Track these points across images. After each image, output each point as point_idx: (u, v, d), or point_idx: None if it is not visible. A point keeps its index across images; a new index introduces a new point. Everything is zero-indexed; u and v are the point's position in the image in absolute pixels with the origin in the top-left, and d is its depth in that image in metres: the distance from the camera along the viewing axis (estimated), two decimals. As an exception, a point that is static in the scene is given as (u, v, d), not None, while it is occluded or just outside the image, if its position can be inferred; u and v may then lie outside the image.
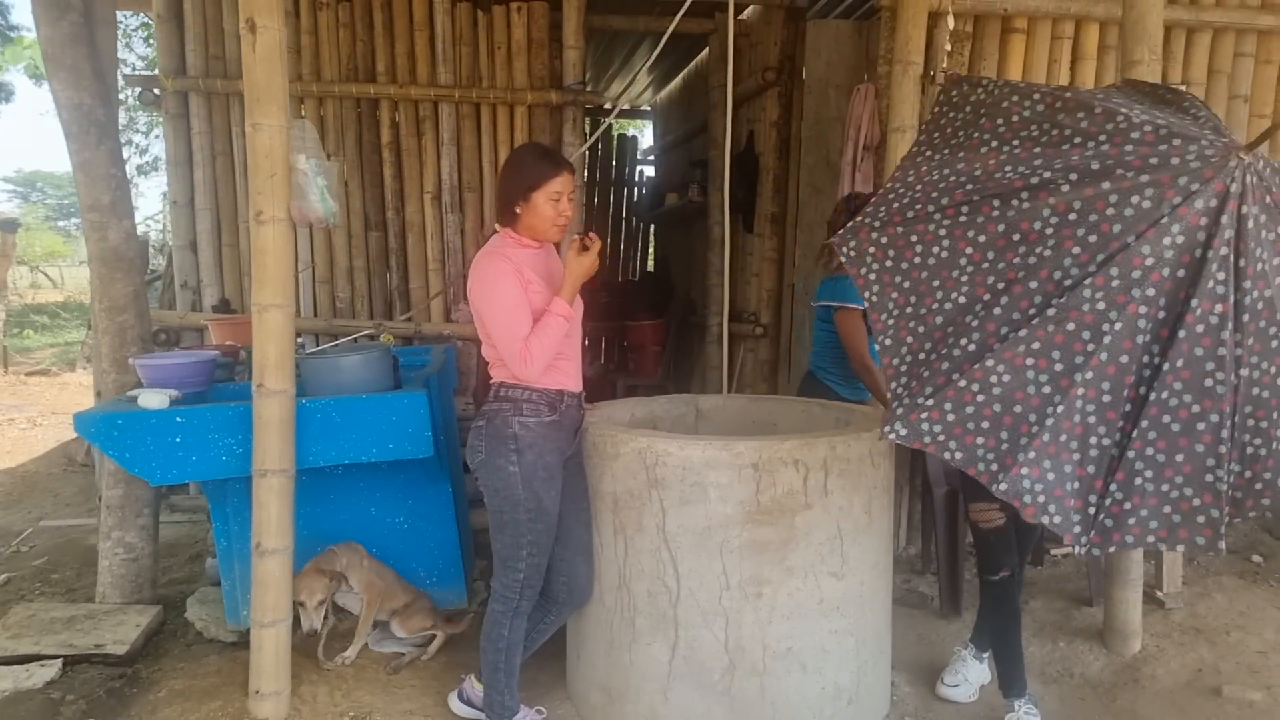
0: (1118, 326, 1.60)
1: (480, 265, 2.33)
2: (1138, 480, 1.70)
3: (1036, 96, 1.91)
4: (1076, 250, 1.68)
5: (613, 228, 8.51)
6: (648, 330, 6.80)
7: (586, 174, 8.13)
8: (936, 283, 1.88)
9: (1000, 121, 1.93)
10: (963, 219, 1.84)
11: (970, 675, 2.79)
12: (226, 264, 4.57)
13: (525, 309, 2.29)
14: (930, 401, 1.84)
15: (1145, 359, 1.64)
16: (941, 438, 1.84)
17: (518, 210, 2.34)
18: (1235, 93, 4.10)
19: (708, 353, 5.75)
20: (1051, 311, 1.69)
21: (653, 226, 8.55)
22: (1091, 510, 1.75)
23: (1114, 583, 3.07)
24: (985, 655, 2.79)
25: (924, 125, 2.24)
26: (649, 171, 8.68)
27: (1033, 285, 1.72)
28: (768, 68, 4.95)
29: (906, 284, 1.94)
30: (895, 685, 2.84)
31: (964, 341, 1.81)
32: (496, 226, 2.43)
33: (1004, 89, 2.02)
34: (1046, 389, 1.72)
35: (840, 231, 2.14)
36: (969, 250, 1.84)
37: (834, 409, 3.01)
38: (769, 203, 5.08)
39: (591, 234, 2.41)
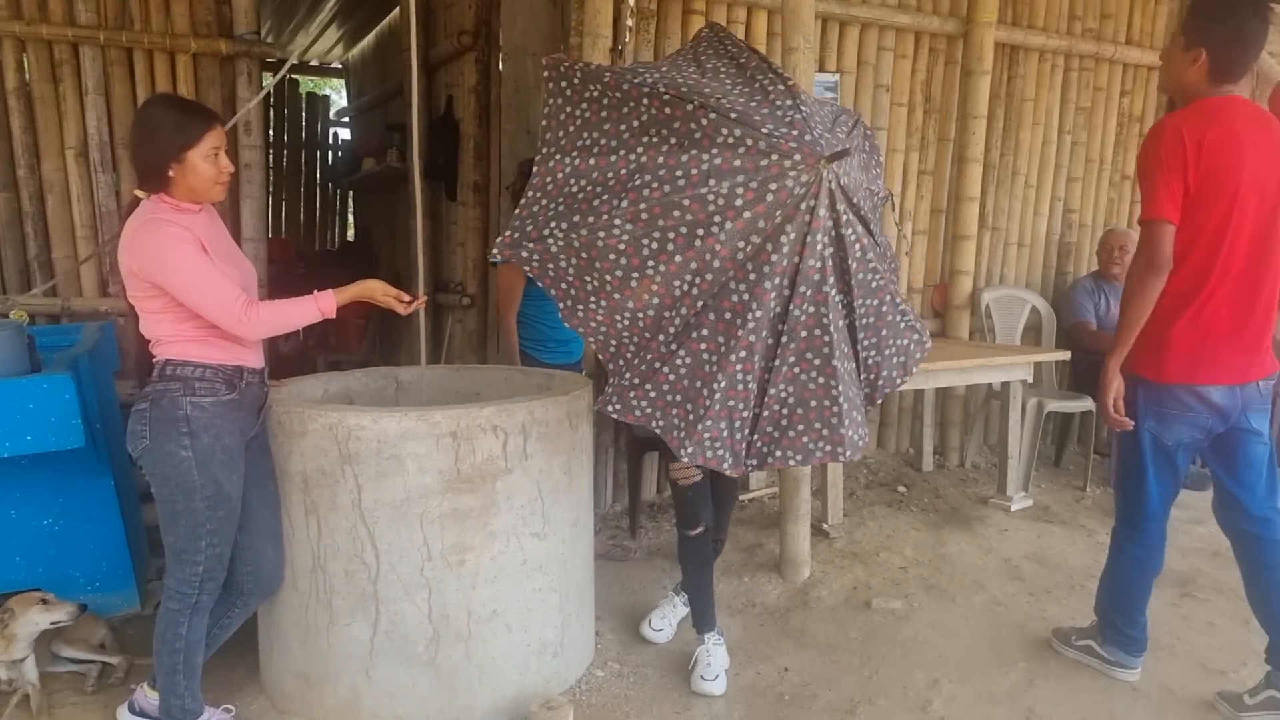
0: (830, 315, 2.02)
1: (146, 235, 2.08)
2: (871, 360, 2.24)
3: (645, 103, 2.01)
4: (720, 250, 1.97)
5: (305, 193, 8.00)
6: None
7: (272, 134, 7.55)
8: (627, 285, 2.06)
9: (623, 127, 2.05)
10: (620, 234, 2.00)
11: (675, 619, 2.98)
12: None
13: (218, 268, 2.11)
14: (637, 380, 2.15)
15: (846, 309, 2.10)
16: (648, 410, 2.16)
17: (171, 174, 2.11)
18: (879, 82, 4.64)
19: (415, 325, 5.59)
20: (710, 302, 2.05)
21: (351, 193, 8.14)
22: (869, 378, 2.28)
23: (786, 518, 3.42)
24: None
25: (544, 117, 2.17)
26: (344, 134, 8.24)
27: (696, 291, 2.04)
28: (463, 31, 4.86)
29: (598, 287, 2.09)
30: (599, 634, 2.96)
31: (661, 336, 2.11)
32: (140, 193, 2.18)
33: (611, 86, 2.05)
34: (713, 367, 2.07)
35: (501, 242, 2.13)
36: (646, 262, 2.03)
37: (536, 375, 3.06)
38: (471, 171, 5.01)
39: (411, 299, 2.40)
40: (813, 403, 2.10)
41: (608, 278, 2.03)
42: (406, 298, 2.37)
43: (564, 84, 2.13)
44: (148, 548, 3.28)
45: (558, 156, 2.11)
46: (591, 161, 2.05)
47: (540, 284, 2.16)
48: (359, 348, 6.54)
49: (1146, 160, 2.38)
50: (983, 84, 4.62)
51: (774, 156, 1.88)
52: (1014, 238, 5.18)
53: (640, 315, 2.06)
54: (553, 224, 2.05)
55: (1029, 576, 3.50)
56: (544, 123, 2.14)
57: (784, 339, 2.03)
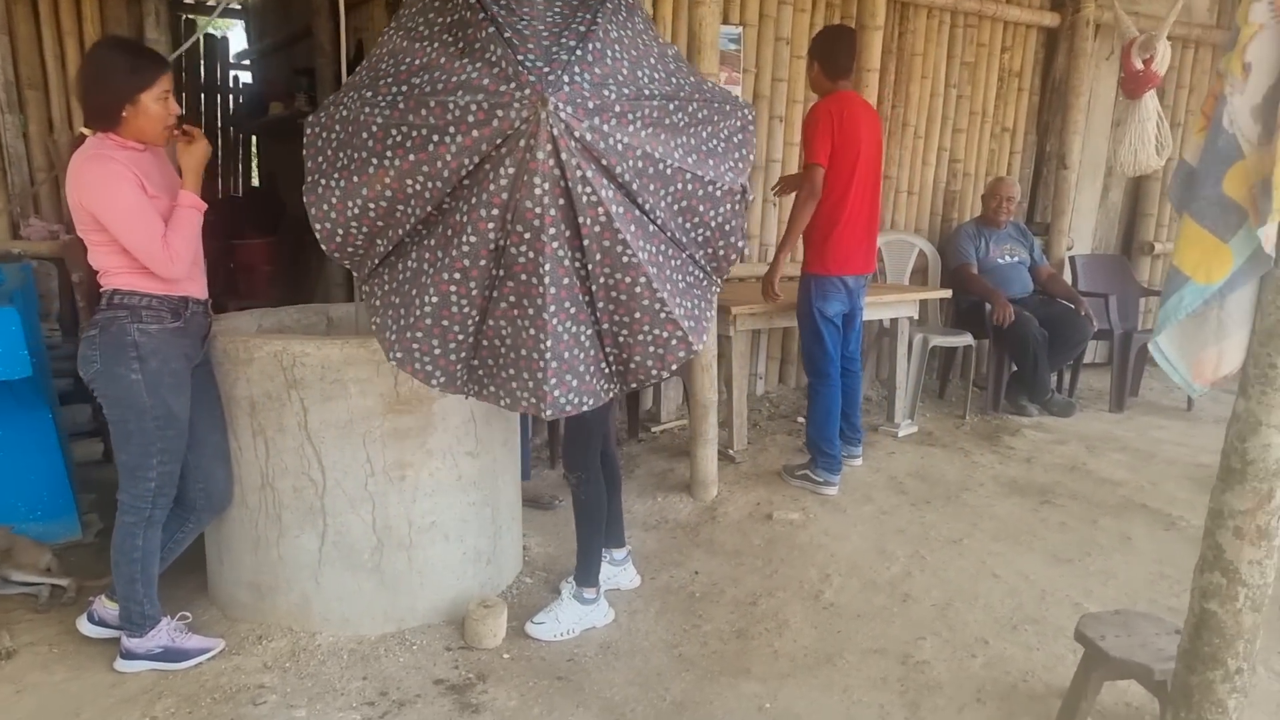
0: (547, 266, 2.01)
1: (88, 170, 2.19)
2: (625, 340, 2.20)
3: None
4: (450, 160, 1.95)
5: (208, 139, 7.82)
6: (258, 250, 6.47)
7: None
8: (365, 170, 2.05)
9: (440, 20, 2.05)
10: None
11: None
12: None
13: (152, 208, 2.23)
14: (367, 273, 2.22)
15: (578, 269, 2.07)
16: (377, 305, 2.20)
17: (124, 114, 2.22)
18: (779, 35, 4.91)
19: (329, 270, 5.67)
20: (437, 214, 2.04)
21: (255, 138, 8.00)
22: (615, 364, 2.25)
23: (695, 443, 3.72)
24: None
25: None
26: (245, 77, 8.05)
27: (427, 194, 2.02)
28: (374, -25, 4.88)
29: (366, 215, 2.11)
30: (527, 548, 3.22)
31: (391, 232, 2.11)
32: (86, 131, 2.28)
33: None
34: (428, 279, 2.08)
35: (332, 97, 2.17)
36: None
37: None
38: (384, 115, 5.06)
39: (187, 125, 2.37)
40: (523, 350, 2.11)
41: (355, 155, 2.06)
42: (192, 133, 2.39)
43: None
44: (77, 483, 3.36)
45: (399, 35, 2.13)
46: (405, 44, 2.07)
47: (307, 150, 2.15)
48: (270, 294, 6.54)
49: (809, 128, 3.67)
50: (875, 38, 4.92)
51: (513, 85, 1.85)
52: (904, 185, 5.57)
53: (372, 206, 2.07)
54: (352, 92, 2.09)
55: (911, 490, 3.91)
56: None
57: (500, 273, 2.03)
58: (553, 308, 2.04)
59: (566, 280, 2.04)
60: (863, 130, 3.67)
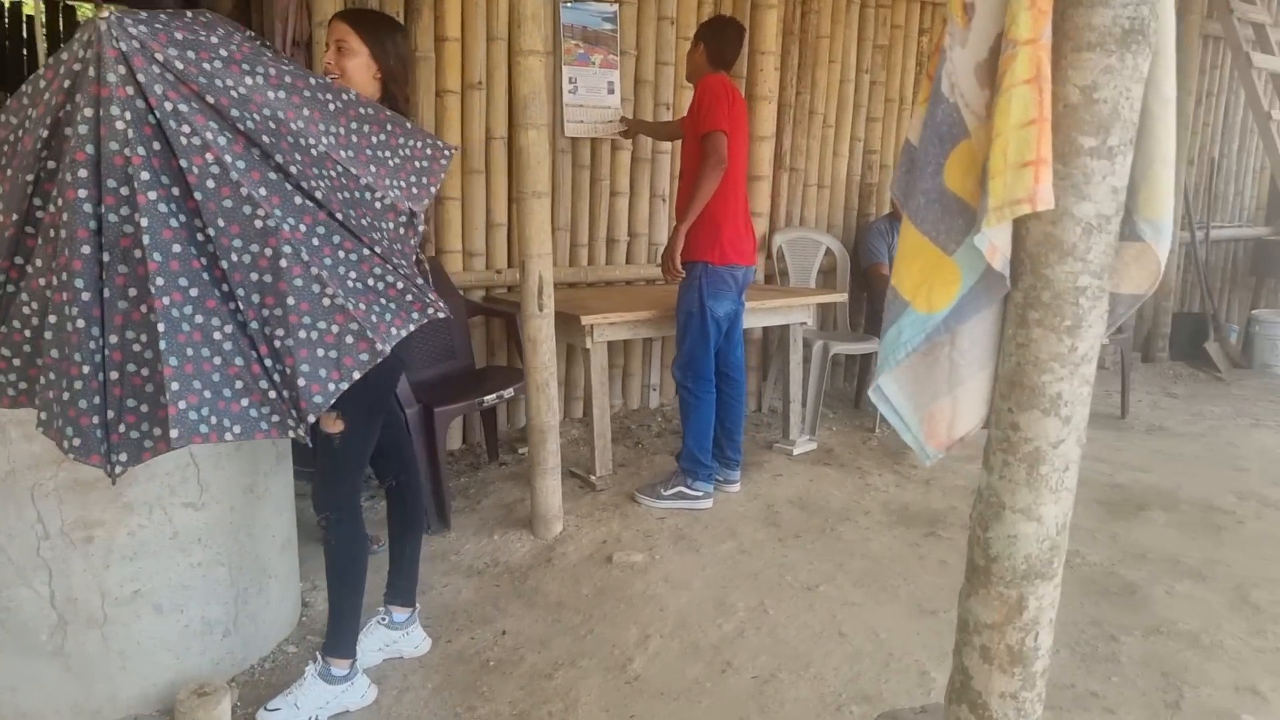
0: (145, 223, 1.53)
1: None
2: (282, 342, 1.68)
3: None
4: (24, 144, 1.60)
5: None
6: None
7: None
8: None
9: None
10: None
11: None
12: None
13: None
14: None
15: (198, 237, 1.60)
16: (59, 422, 1.70)
17: None
18: (663, 15, 4.45)
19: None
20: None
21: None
22: (277, 379, 1.71)
23: (535, 474, 3.27)
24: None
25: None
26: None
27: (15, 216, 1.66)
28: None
29: None
30: (310, 605, 2.77)
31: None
32: None
33: None
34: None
35: None
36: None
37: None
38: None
39: None
40: (148, 354, 1.64)
41: None
42: None
43: None
44: None
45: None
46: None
47: None
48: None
49: (704, 97, 3.36)
50: (770, 17, 4.46)
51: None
52: (813, 179, 5.13)
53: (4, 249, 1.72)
54: None
55: (785, 522, 3.46)
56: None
57: (107, 257, 1.56)
58: (160, 281, 1.55)
59: (178, 248, 1.57)
60: (742, 116, 3.50)
